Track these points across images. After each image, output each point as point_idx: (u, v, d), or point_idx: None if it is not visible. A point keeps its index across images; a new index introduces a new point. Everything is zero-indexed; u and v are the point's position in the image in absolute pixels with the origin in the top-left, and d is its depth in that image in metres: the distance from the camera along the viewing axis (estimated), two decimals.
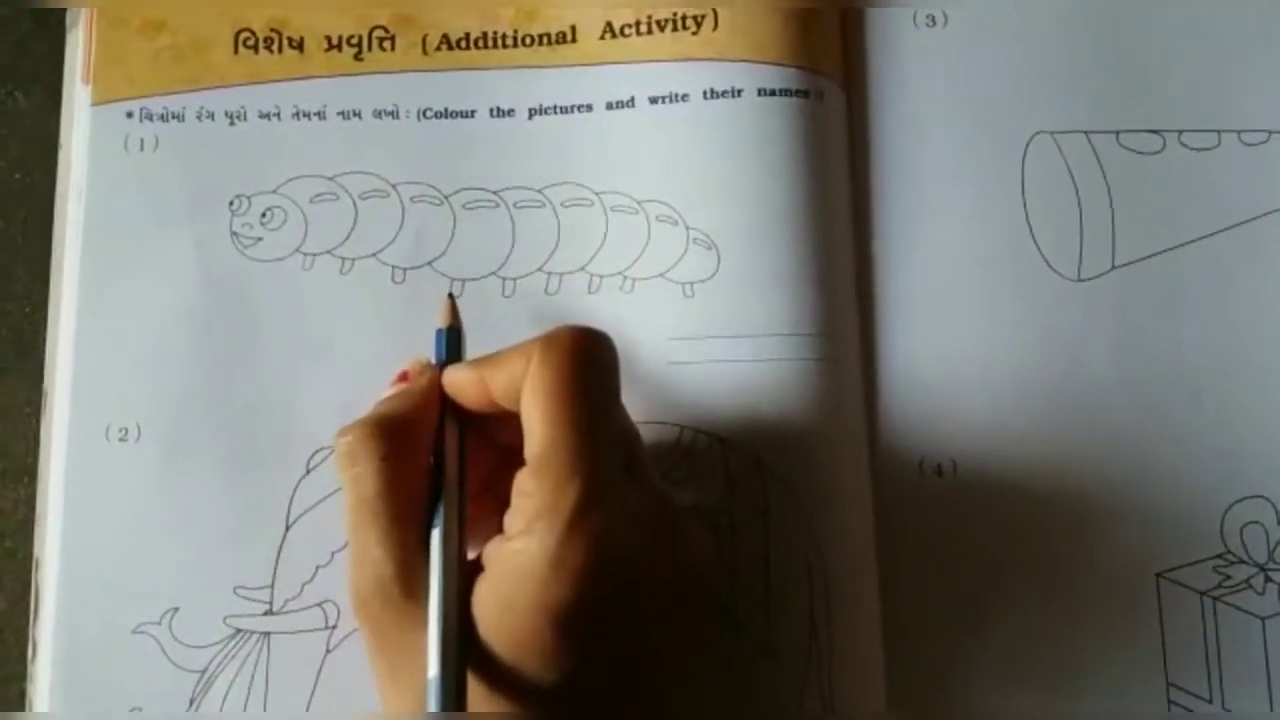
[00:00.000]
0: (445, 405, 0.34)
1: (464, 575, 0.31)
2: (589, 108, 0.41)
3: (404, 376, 0.35)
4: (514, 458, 0.32)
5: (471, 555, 0.32)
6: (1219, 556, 0.39)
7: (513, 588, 0.30)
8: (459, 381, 0.34)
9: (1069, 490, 0.39)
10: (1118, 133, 0.42)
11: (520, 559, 0.29)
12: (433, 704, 0.29)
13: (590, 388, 0.31)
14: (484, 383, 0.33)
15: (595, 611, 0.30)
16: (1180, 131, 0.42)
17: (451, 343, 0.36)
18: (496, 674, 0.30)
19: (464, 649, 0.30)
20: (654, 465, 0.34)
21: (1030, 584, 0.39)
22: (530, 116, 0.41)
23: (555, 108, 0.41)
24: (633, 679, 0.31)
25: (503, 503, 0.32)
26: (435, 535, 0.31)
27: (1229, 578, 0.39)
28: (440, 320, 0.37)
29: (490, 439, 0.34)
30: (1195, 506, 0.39)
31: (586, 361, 0.31)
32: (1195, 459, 0.40)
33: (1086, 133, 0.42)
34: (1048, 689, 0.38)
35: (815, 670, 0.37)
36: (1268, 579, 0.39)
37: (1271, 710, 0.38)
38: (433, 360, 0.36)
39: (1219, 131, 0.42)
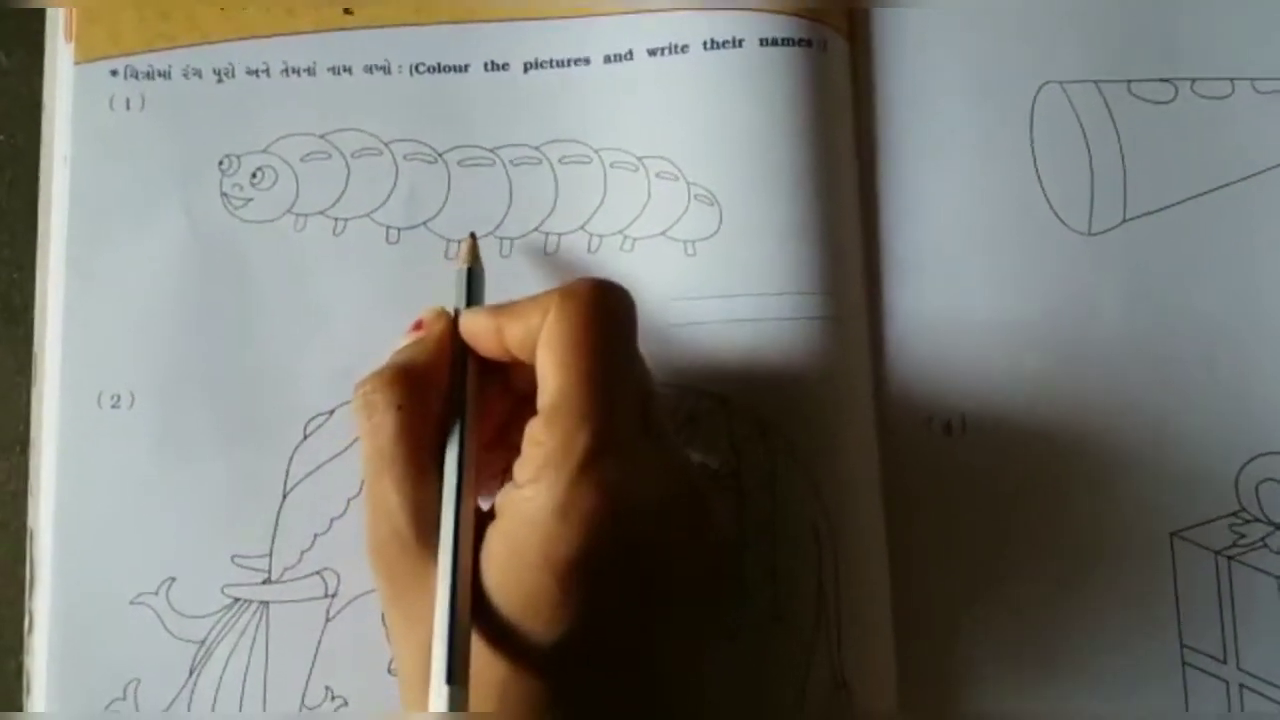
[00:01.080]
0: (461, 351, 0.34)
1: (474, 524, 0.31)
2: (586, 61, 0.40)
3: (419, 325, 0.35)
4: (528, 406, 0.31)
5: (485, 505, 0.32)
6: (1234, 515, 0.38)
7: (521, 537, 0.29)
8: (476, 328, 0.33)
9: (1080, 447, 0.39)
10: (1129, 82, 0.41)
11: (528, 506, 0.29)
12: (437, 656, 0.29)
13: (605, 338, 0.31)
14: (500, 331, 0.32)
15: (602, 565, 0.29)
16: (1193, 80, 0.41)
17: (472, 284, 0.36)
18: (501, 627, 0.30)
19: (471, 600, 0.30)
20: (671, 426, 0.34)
21: (1041, 543, 0.38)
22: (525, 70, 0.40)
23: (551, 61, 0.40)
24: (637, 640, 0.31)
25: (516, 451, 0.31)
26: (448, 480, 0.31)
27: (1244, 536, 0.38)
28: (460, 260, 0.36)
29: (505, 386, 0.34)
30: (1210, 464, 0.39)
31: (603, 312, 0.31)
32: (1210, 415, 0.39)
33: (1096, 82, 0.41)
34: (1060, 649, 0.38)
35: (824, 636, 0.36)
36: None
37: None
38: (452, 303, 0.35)
39: (1232, 79, 0.41)
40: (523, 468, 0.30)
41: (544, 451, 0.30)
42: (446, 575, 0.30)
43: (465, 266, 0.36)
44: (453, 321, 0.34)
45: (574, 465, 0.29)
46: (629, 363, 0.32)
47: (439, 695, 0.28)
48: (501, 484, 0.31)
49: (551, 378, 0.30)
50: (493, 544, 0.30)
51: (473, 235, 0.37)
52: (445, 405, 0.33)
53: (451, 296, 0.36)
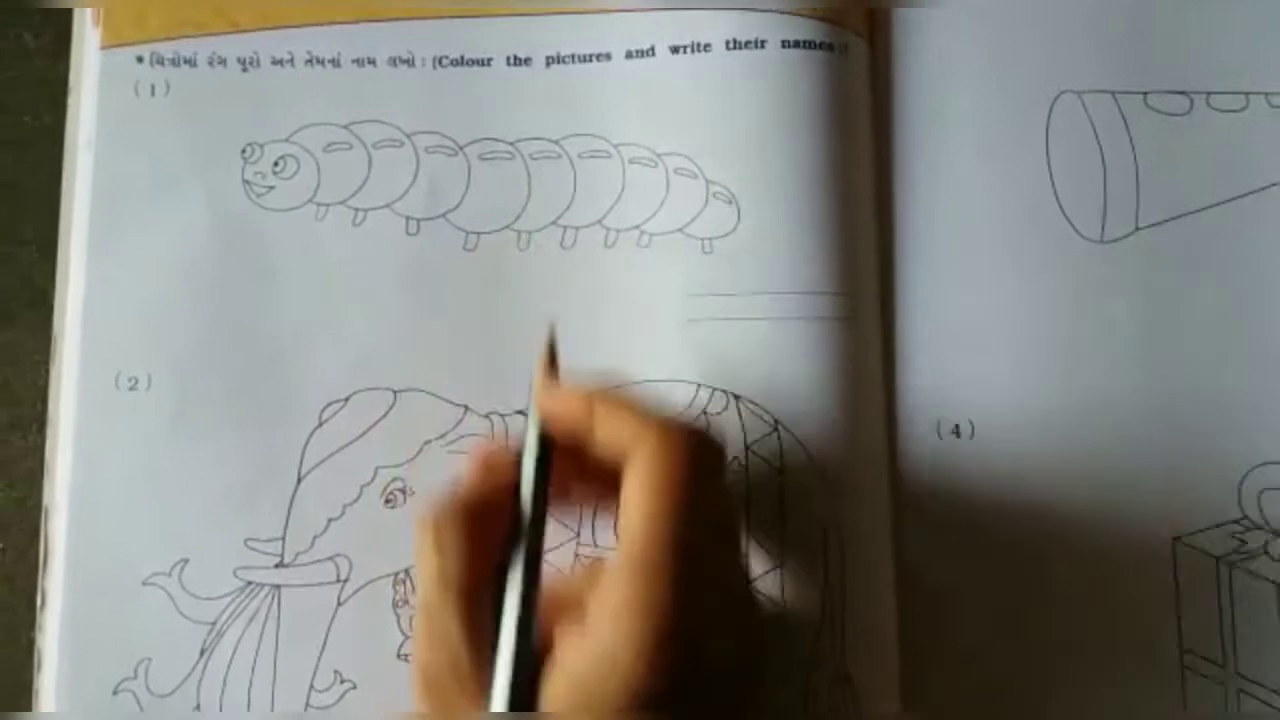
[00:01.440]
0: (537, 484, 0.33)
1: (535, 660, 0.31)
2: (608, 56, 0.40)
3: (483, 454, 0.34)
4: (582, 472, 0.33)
5: None
6: (1236, 522, 0.39)
7: (596, 682, 0.29)
8: (563, 409, 0.33)
9: (1087, 453, 0.39)
10: (1145, 94, 0.41)
11: (607, 650, 0.29)
12: None
13: (701, 494, 0.31)
14: (590, 419, 0.32)
15: (680, 707, 0.29)
16: (1209, 93, 0.41)
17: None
18: None
19: None
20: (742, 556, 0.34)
21: (1046, 546, 0.38)
22: (548, 65, 0.40)
23: (573, 56, 0.40)
24: None
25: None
26: (507, 620, 0.31)
27: (1245, 543, 0.39)
28: (536, 370, 0.35)
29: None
30: (1214, 471, 0.39)
31: (701, 462, 0.31)
32: (1215, 423, 0.39)
33: (1113, 93, 0.41)
34: (1061, 652, 0.38)
35: (829, 632, 0.37)
36: None
37: None
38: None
39: (1247, 94, 0.41)
40: (600, 607, 0.30)
41: (625, 597, 0.29)
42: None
43: (543, 360, 0.35)
44: (516, 460, 0.34)
45: (660, 616, 0.29)
46: (721, 516, 0.32)
47: None
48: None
49: (639, 517, 0.30)
50: (556, 684, 0.30)
51: (552, 328, 0.35)
52: (504, 538, 0.33)
53: (468, 293, 0.37)
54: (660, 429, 0.31)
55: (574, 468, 0.34)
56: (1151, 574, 0.38)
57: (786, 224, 0.38)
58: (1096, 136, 0.41)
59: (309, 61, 0.40)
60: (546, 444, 0.33)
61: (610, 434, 0.32)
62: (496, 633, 0.31)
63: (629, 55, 0.40)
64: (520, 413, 0.39)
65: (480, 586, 0.32)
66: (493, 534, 0.32)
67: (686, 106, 0.40)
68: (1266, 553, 0.39)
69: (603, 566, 0.32)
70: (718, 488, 0.33)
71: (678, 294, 0.38)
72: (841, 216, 0.39)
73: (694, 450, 0.31)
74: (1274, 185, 0.41)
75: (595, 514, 0.38)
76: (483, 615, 0.31)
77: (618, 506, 0.31)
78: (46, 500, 0.38)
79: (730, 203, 0.39)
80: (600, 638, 0.30)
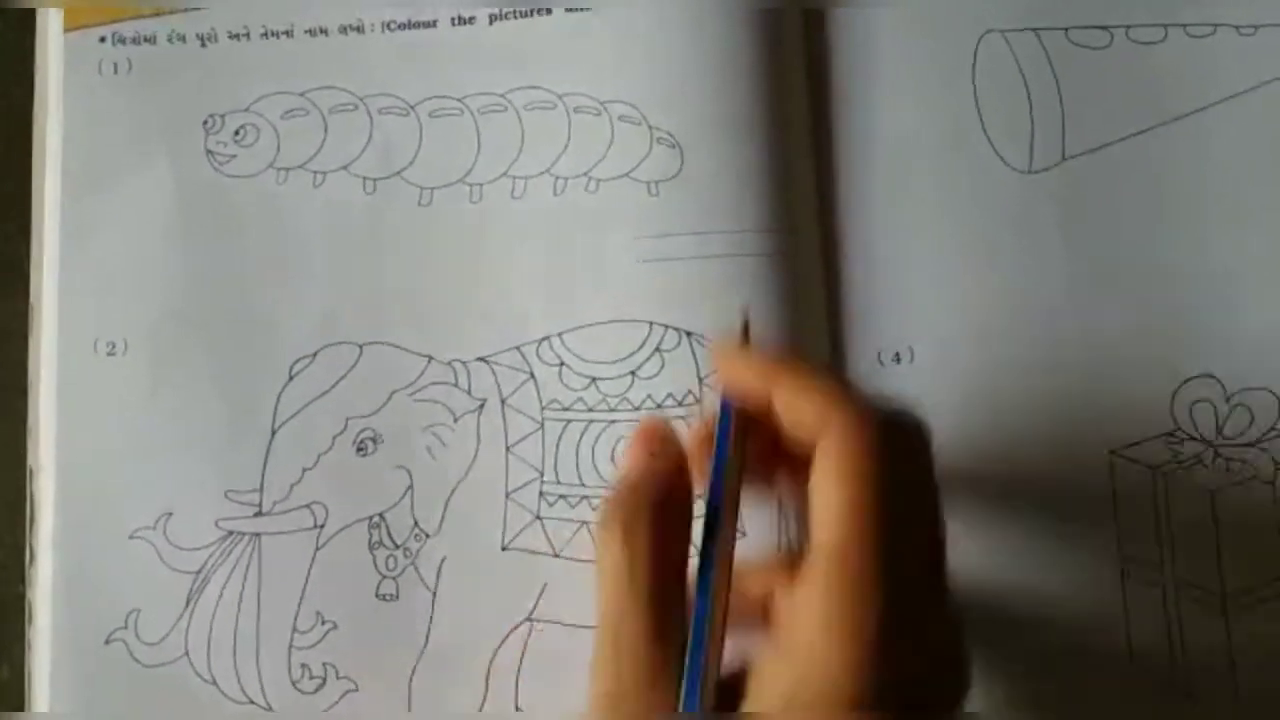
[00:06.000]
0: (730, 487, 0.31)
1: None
2: (548, 11, 0.42)
3: (643, 435, 0.32)
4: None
5: None
6: (1170, 434, 0.40)
7: (806, 686, 0.27)
8: (741, 382, 0.31)
9: (1024, 374, 0.40)
10: (1066, 29, 0.43)
11: (819, 670, 0.27)
12: None
13: (905, 479, 0.28)
14: (769, 396, 0.30)
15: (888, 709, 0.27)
16: (1128, 26, 0.43)
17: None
18: None
19: None
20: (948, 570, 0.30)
21: (988, 464, 0.40)
22: (491, 22, 0.42)
23: (515, 13, 0.42)
24: None
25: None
26: (698, 625, 0.29)
27: (1179, 454, 0.40)
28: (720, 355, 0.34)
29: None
30: (1147, 386, 0.41)
31: (903, 444, 0.29)
32: (1146, 341, 0.41)
33: (1035, 29, 0.43)
34: (1006, 563, 0.39)
35: (783, 532, 0.38)
36: (1216, 454, 0.40)
37: (1221, 577, 0.39)
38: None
39: (1166, 26, 0.43)
40: (805, 616, 0.27)
41: (831, 606, 0.27)
42: None
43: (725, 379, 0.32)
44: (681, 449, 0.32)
45: (872, 628, 0.27)
46: (931, 511, 0.29)
47: None
48: None
49: (837, 510, 0.27)
50: (758, 699, 0.28)
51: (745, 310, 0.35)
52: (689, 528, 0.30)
53: (426, 247, 0.39)
54: (853, 409, 0.28)
55: (769, 447, 0.31)
56: (1090, 486, 0.40)
57: (728, 166, 0.40)
58: (1021, 72, 0.42)
59: (264, 34, 0.42)
60: (737, 420, 0.31)
61: (794, 411, 0.29)
62: (683, 635, 0.29)
63: (569, 9, 0.42)
64: (481, 359, 0.40)
65: (669, 584, 0.29)
66: (674, 528, 0.30)
67: (626, 56, 0.41)
68: (1200, 462, 0.40)
69: (790, 560, 0.30)
70: (923, 473, 0.29)
71: (627, 236, 0.40)
72: (779, 157, 0.41)
73: (893, 434, 0.28)
74: (1192, 113, 0.42)
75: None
76: (672, 614, 0.29)
77: (805, 495, 0.29)
78: (31, 461, 0.40)
79: (673, 147, 0.41)
80: (811, 658, 0.27)
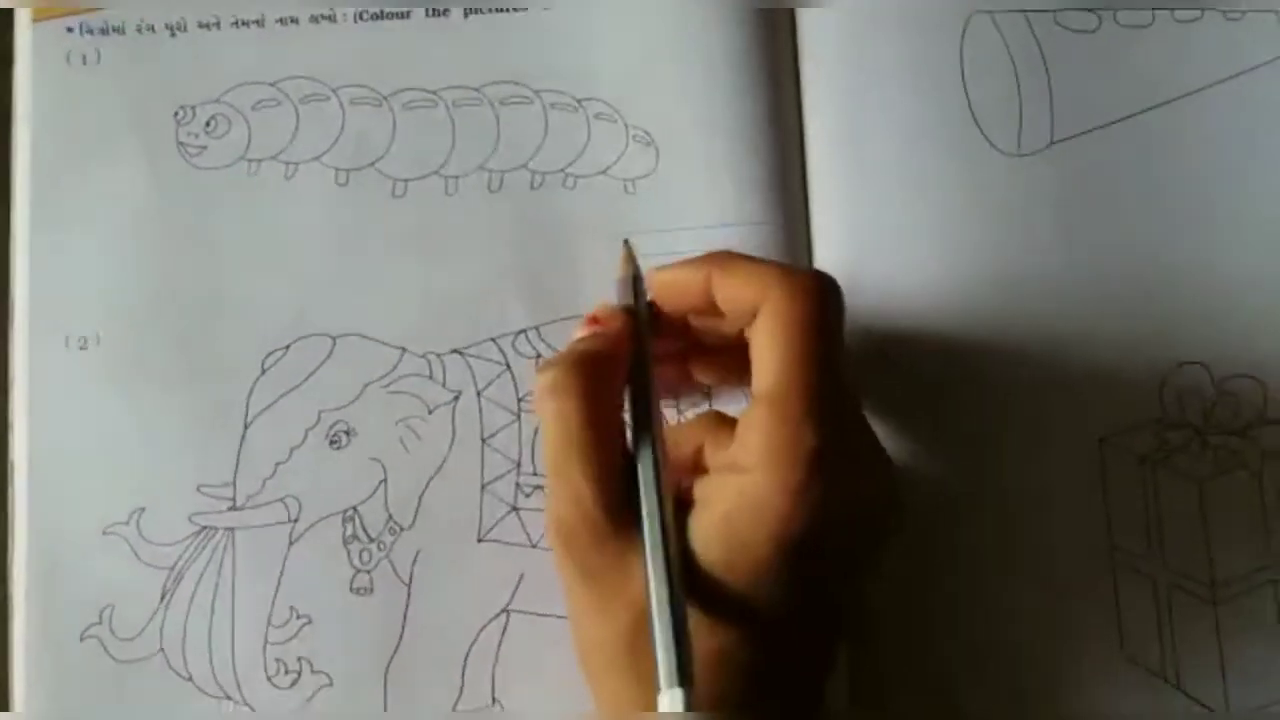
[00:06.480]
0: (644, 342, 0.34)
1: (674, 506, 0.32)
2: (525, 9, 0.41)
3: (594, 320, 0.35)
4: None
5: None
6: (1158, 421, 0.40)
7: (746, 519, 0.31)
8: (679, 279, 0.34)
9: (1014, 361, 0.40)
10: (1055, 11, 0.42)
11: (757, 491, 0.30)
12: (663, 659, 0.30)
13: (834, 331, 0.32)
14: (709, 282, 0.33)
15: (824, 543, 0.31)
16: (1115, 10, 0.42)
17: (638, 288, 0.36)
18: (722, 603, 0.31)
19: (684, 579, 0.31)
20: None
21: (976, 449, 0.40)
22: (466, 15, 0.42)
23: (491, 7, 0.42)
24: (838, 604, 0.33)
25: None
26: (643, 467, 0.32)
27: (1168, 441, 0.40)
28: (619, 270, 0.36)
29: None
30: (1136, 373, 0.40)
31: (832, 305, 0.33)
32: (1135, 327, 0.40)
33: (1024, 12, 0.42)
34: (992, 552, 0.39)
35: None
36: (1204, 442, 0.40)
37: (1210, 566, 0.39)
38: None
39: (1153, 9, 0.42)
40: (745, 451, 0.31)
41: (768, 440, 0.31)
42: (662, 575, 0.30)
43: (629, 273, 0.36)
44: (629, 319, 0.35)
45: (805, 455, 0.30)
46: (847, 357, 0.33)
47: (672, 698, 0.29)
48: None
49: (777, 362, 0.31)
50: (705, 526, 0.31)
51: (626, 242, 0.37)
52: (623, 395, 0.34)
53: (400, 239, 0.39)
54: (787, 276, 0.32)
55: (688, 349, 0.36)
56: (1080, 474, 0.40)
57: (703, 163, 0.40)
58: (1010, 55, 0.42)
59: (234, 24, 0.42)
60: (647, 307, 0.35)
61: (732, 294, 0.33)
62: (626, 479, 0.32)
63: (545, 8, 0.41)
64: (456, 351, 0.40)
65: (609, 442, 0.32)
66: (614, 392, 0.33)
67: (604, 54, 0.41)
68: (1188, 450, 0.40)
69: (718, 417, 0.34)
70: (841, 329, 0.33)
71: (603, 234, 0.40)
72: (757, 150, 0.40)
73: (824, 293, 0.32)
74: (1179, 97, 0.42)
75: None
76: (614, 467, 0.32)
77: (740, 369, 0.33)
78: (13, 456, 0.40)
79: (649, 145, 0.40)
80: (750, 482, 0.30)
